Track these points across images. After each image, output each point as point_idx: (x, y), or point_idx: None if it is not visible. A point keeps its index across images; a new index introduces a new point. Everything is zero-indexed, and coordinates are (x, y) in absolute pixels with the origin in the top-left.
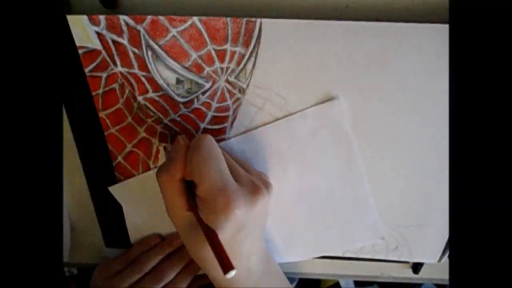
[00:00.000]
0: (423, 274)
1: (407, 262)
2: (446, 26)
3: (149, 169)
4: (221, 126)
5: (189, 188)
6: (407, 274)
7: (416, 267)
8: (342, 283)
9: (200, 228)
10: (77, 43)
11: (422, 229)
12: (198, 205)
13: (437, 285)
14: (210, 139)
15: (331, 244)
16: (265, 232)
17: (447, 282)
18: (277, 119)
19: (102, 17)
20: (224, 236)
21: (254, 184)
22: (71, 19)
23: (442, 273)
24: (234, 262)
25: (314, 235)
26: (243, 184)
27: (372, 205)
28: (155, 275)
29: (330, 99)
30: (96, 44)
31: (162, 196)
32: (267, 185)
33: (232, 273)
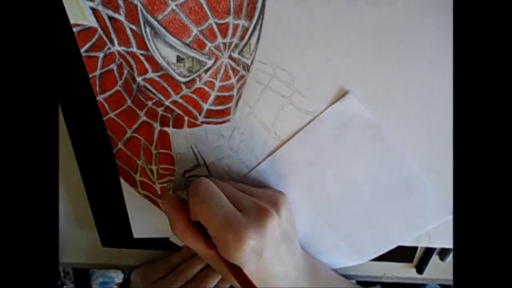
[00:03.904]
0: (427, 274)
1: (410, 262)
2: None
3: (151, 155)
4: (226, 106)
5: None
6: (410, 274)
7: (420, 267)
8: None
9: (227, 268)
10: (72, 21)
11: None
12: (215, 244)
13: (441, 285)
14: (205, 182)
15: (399, 234)
16: (295, 245)
17: (451, 282)
18: (283, 96)
19: None
20: (249, 268)
21: (260, 207)
22: None
23: (446, 273)
24: (272, 285)
25: (378, 230)
26: (248, 212)
27: (426, 182)
28: (198, 281)
29: (342, 95)
30: (92, 21)
31: None
32: (275, 203)
33: None
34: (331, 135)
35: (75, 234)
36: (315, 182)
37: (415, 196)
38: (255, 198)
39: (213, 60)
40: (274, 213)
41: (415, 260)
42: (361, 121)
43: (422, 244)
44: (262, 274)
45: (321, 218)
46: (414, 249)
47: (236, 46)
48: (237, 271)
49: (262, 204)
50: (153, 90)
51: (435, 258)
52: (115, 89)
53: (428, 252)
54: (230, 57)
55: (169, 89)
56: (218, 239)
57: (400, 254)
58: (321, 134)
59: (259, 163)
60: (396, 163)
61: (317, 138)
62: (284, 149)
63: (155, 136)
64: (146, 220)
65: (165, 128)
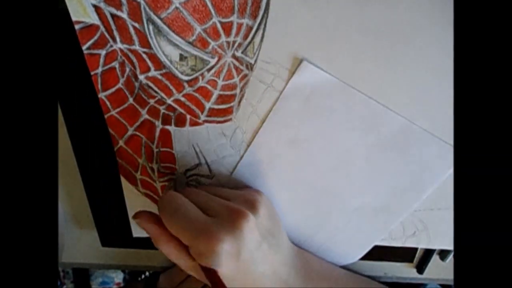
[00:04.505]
0: (428, 274)
1: (411, 262)
2: None
3: (152, 154)
4: (228, 105)
5: None
6: (411, 274)
7: (421, 267)
8: None
9: (205, 274)
10: (73, 18)
11: (443, 213)
12: (192, 255)
13: (442, 285)
14: (169, 195)
15: (413, 194)
16: (279, 240)
17: (452, 282)
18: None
19: None
20: (225, 271)
21: (233, 210)
22: None
23: (447, 273)
24: (260, 285)
25: (388, 194)
26: (220, 216)
27: (420, 129)
28: None
29: (298, 65)
30: (94, 19)
31: None
32: (251, 203)
33: None
34: (300, 109)
35: (75, 234)
36: (303, 160)
37: (415, 147)
38: (230, 200)
39: (216, 59)
40: (249, 214)
41: (416, 260)
42: (327, 87)
43: (422, 245)
44: (245, 275)
45: (323, 195)
46: (415, 249)
47: (239, 45)
48: (211, 274)
49: (235, 206)
50: (156, 88)
51: (435, 258)
52: (117, 87)
53: (429, 252)
54: (234, 56)
55: (171, 87)
56: (192, 247)
57: (401, 254)
58: (289, 111)
59: (241, 157)
60: (379, 120)
61: (287, 116)
62: (259, 137)
63: (157, 134)
64: None
65: (167, 127)
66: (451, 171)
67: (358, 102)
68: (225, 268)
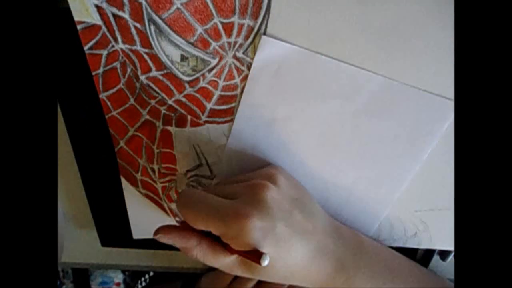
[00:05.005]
0: None
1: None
2: None
3: (153, 154)
4: (229, 106)
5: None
6: None
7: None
8: None
9: (248, 259)
10: (76, 18)
11: (444, 213)
12: (227, 242)
13: None
14: (186, 190)
15: (412, 152)
16: (311, 208)
17: (452, 282)
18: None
19: None
20: (269, 249)
21: (252, 185)
22: None
23: (448, 273)
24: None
25: (388, 158)
26: (241, 195)
27: (403, 85)
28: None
29: (258, 42)
30: (96, 19)
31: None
32: (268, 176)
33: (265, 262)
34: (272, 87)
35: (74, 234)
36: (286, 140)
37: (401, 105)
38: (247, 181)
39: (217, 60)
40: (269, 184)
41: (416, 260)
42: (294, 58)
43: (424, 246)
44: (289, 251)
45: (316, 172)
46: (415, 249)
47: (240, 45)
48: (255, 257)
49: (254, 181)
50: (156, 89)
51: (436, 258)
52: (118, 87)
53: (429, 252)
54: (235, 57)
55: (172, 88)
56: (224, 234)
57: (401, 254)
58: (260, 91)
59: (224, 147)
60: (357, 84)
61: (260, 97)
62: (236, 124)
63: (158, 135)
64: (146, 220)
65: (168, 127)
66: (447, 124)
67: (330, 69)
68: (266, 246)
